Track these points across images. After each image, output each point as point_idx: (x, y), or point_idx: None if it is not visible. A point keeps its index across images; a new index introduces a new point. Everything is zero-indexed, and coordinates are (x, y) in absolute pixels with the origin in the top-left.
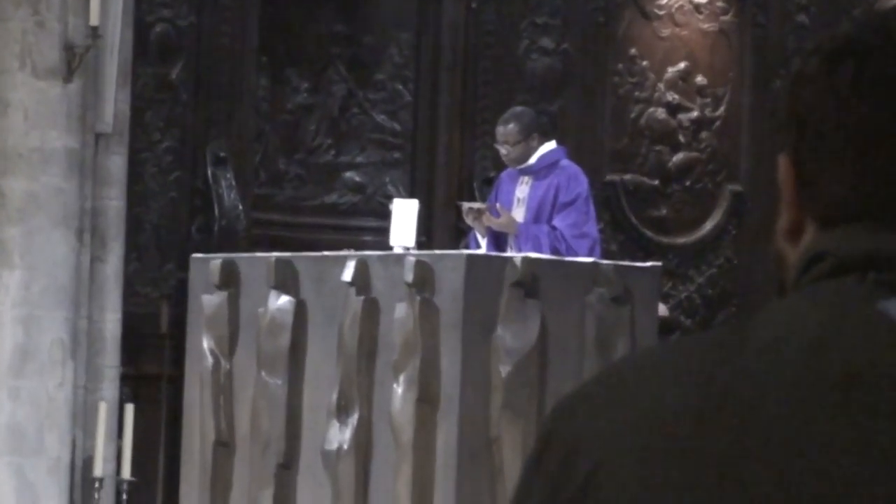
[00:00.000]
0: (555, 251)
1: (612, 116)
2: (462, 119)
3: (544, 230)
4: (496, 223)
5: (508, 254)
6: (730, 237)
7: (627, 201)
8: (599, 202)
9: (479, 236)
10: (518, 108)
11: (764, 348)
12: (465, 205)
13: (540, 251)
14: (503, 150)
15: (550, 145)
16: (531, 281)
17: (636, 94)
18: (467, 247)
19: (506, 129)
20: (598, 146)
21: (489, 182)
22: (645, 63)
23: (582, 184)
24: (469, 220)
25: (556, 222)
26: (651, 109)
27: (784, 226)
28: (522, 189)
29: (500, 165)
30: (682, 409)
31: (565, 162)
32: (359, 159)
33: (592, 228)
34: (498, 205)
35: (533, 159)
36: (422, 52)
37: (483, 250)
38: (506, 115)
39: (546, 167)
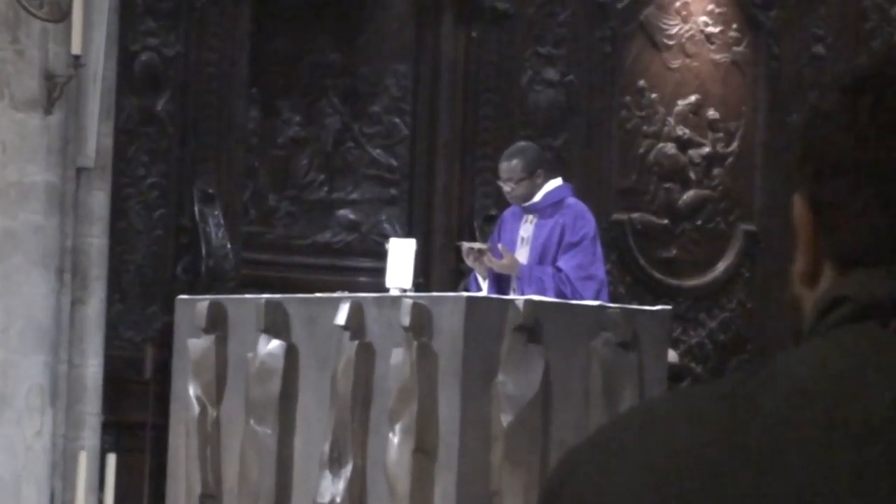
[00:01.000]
0: (560, 294)
1: (619, 152)
2: (462, 154)
3: (549, 272)
4: (498, 265)
5: (510, 296)
6: (743, 279)
7: (635, 241)
8: (606, 242)
9: (479, 278)
10: (522, 143)
11: (782, 398)
12: (466, 245)
13: (544, 294)
14: (507, 188)
15: (556, 182)
16: (534, 325)
17: (645, 128)
18: (467, 289)
19: (509, 165)
20: (605, 183)
21: (491, 220)
22: (654, 96)
23: (589, 223)
24: (469, 262)
25: (562, 263)
26: (660, 145)
27: (800, 269)
28: (527, 228)
29: (502, 203)
30: (695, 463)
31: (572, 200)
32: (353, 196)
33: (599, 270)
34: (500, 245)
35: (538, 197)
36: (420, 84)
37: (484, 293)
38: (509, 151)
39: (552, 205)
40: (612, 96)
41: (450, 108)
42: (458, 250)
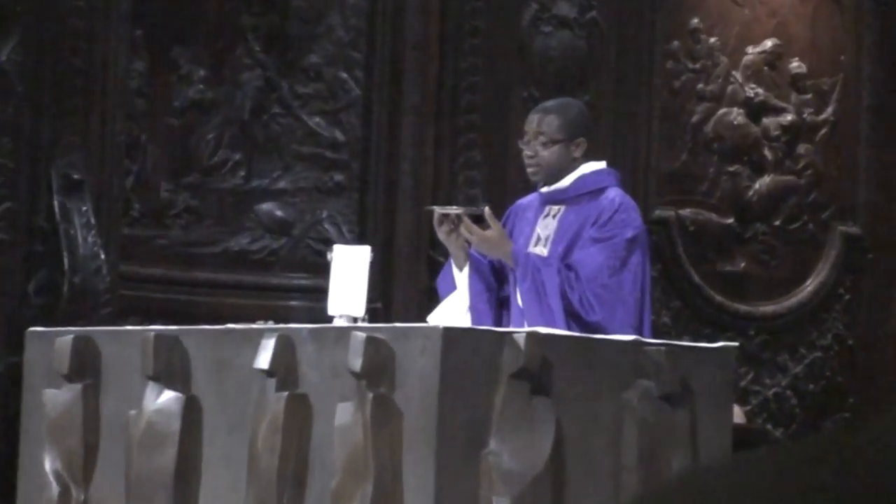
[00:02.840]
0: (565, 305)
1: (662, 121)
2: (437, 124)
3: (553, 265)
4: (479, 237)
5: (507, 329)
6: (841, 304)
7: (686, 249)
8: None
9: (454, 269)
10: (567, 98)
11: (889, 472)
12: (438, 210)
13: (541, 300)
14: (528, 151)
15: (597, 165)
16: (541, 369)
17: (700, 86)
18: (440, 294)
19: (542, 119)
20: (642, 166)
21: (479, 220)
22: (713, 40)
23: (632, 224)
24: (442, 236)
25: (575, 259)
26: (723, 111)
27: None
28: (547, 224)
29: (495, 191)
30: None
31: (615, 192)
32: (281, 184)
33: (631, 290)
34: (487, 209)
35: (567, 181)
36: (377, 23)
37: (462, 298)
38: (548, 103)
39: (586, 195)
40: (653, 41)
41: (419, 58)
42: (432, 262)
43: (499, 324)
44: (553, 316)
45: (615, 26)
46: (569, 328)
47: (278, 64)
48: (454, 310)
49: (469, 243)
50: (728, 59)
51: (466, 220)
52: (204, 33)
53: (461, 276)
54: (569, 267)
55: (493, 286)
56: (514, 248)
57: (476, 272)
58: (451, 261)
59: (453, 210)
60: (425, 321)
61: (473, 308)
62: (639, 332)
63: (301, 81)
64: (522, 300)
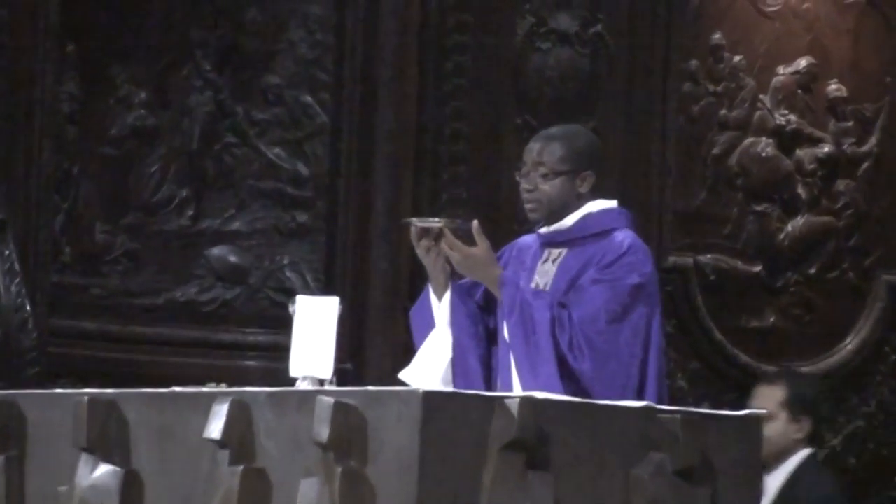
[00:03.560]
0: (553, 346)
1: (679, 152)
2: (417, 156)
3: (545, 300)
4: (464, 255)
5: (498, 394)
6: (887, 365)
7: (707, 302)
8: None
9: (432, 299)
10: (574, 125)
11: None
12: (418, 223)
13: (527, 337)
14: (527, 184)
15: (606, 204)
16: (538, 440)
17: (723, 112)
18: (413, 329)
19: (545, 148)
20: (655, 204)
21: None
22: (738, 59)
23: (640, 269)
24: (421, 252)
25: (570, 298)
26: (749, 141)
27: None
28: (546, 270)
29: (484, 233)
30: None
31: (624, 234)
32: (236, 225)
33: (628, 344)
34: (475, 223)
35: (570, 220)
36: (347, 37)
37: (442, 341)
38: (551, 129)
39: (591, 236)
40: (669, 60)
41: (397, 78)
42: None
43: (487, 362)
44: (541, 356)
45: (624, 42)
46: (559, 373)
47: (232, 85)
48: (433, 360)
49: (451, 264)
50: (755, 80)
51: (449, 234)
52: (146, 49)
53: (441, 309)
54: (563, 305)
55: (479, 316)
56: (504, 274)
57: (459, 299)
58: (429, 288)
59: (435, 223)
60: (398, 379)
61: (457, 344)
62: (637, 395)
63: (258, 106)
64: (509, 335)
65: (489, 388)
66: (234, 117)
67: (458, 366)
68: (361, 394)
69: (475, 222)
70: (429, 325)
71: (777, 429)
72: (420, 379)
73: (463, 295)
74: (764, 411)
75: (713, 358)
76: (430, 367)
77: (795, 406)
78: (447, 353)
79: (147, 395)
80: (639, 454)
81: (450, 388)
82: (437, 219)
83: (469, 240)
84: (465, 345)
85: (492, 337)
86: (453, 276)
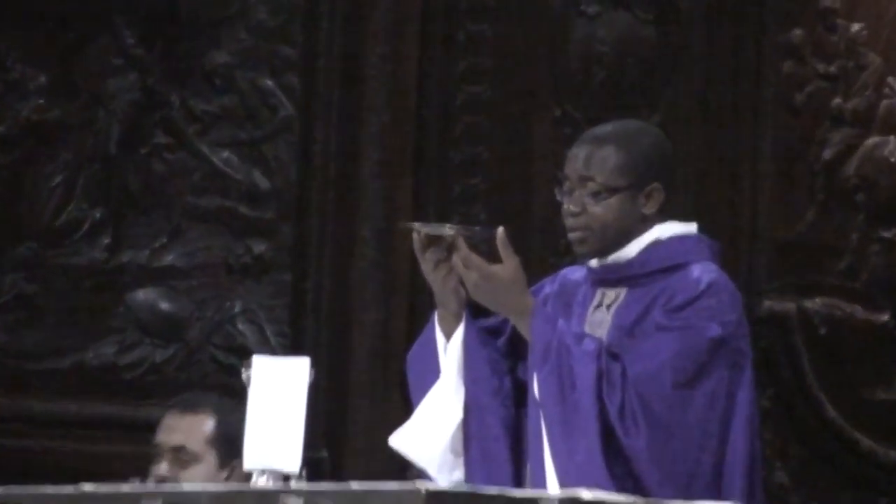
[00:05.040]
0: (600, 408)
1: (776, 159)
2: (418, 162)
3: (592, 348)
4: (483, 276)
5: (528, 492)
6: None
7: (815, 363)
8: (753, 363)
9: (438, 336)
10: (632, 122)
11: None
12: (421, 229)
13: (564, 394)
14: (572, 206)
15: (681, 228)
16: None
17: (835, 102)
18: (410, 381)
19: (594, 155)
20: (744, 229)
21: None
22: (857, 27)
23: (723, 316)
24: (426, 268)
25: (626, 347)
26: (872, 141)
27: None
28: (599, 318)
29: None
30: None
31: (702, 268)
32: (169, 258)
33: (701, 420)
34: (500, 231)
35: (633, 249)
36: (321, 2)
37: (450, 396)
38: (601, 129)
39: (660, 272)
40: (763, 29)
41: (391, 55)
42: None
43: (514, 428)
44: (580, 423)
45: (701, 4)
46: (603, 449)
47: (165, 65)
48: (436, 422)
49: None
50: (882, 57)
51: (463, 245)
52: (46, 16)
53: (450, 351)
54: (614, 356)
55: (503, 364)
56: (536, 305)
57: (476, 339)
58: (436, 319)
59: (446, 230)
60: (392, 474)
61: (472, 402)
62: (712, 491)
63: (201, 93)
64: (539, 389)
65: (515, 464)
66: (168, 109)
67: (472, 430)
68: (342, 493)
69: (500, 230)
70: (432, 372)
71: None
72: (417, 447)
73: (482, 334)
74: None
75: (824, 442)
76: (431, 432)
77: None
78: (456, 414)
79: (47, 496)
80: None
81: (459, 463)
82: (449, 225)
83: (492, 255)
84: (482, 403)
85: (521, 394)
86: (469, 304)
